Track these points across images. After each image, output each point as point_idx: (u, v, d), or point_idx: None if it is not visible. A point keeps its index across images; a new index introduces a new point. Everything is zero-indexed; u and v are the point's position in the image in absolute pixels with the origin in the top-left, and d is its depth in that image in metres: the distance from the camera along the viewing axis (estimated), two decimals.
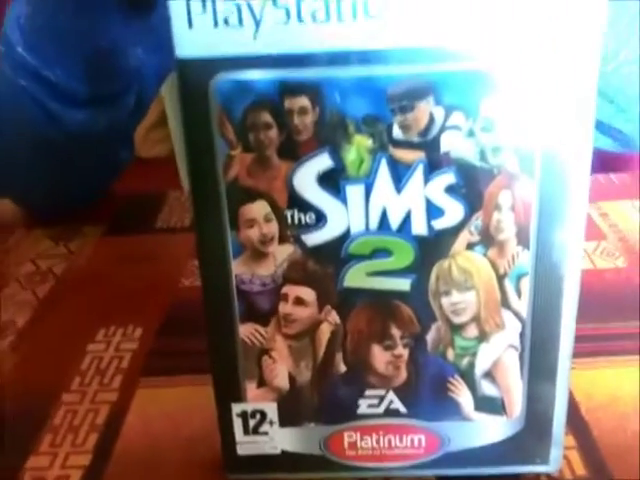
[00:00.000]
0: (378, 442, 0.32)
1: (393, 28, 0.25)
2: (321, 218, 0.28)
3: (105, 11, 0.49)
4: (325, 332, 0.30)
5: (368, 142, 0.27)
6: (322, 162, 0.27)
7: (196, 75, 0.26)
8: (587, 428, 0.35)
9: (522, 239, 0.28)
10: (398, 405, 0.31)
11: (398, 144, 0.27)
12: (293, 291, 0.30)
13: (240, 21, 0.25)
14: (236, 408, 0.32)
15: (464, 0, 0.25)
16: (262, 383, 0.31)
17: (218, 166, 0.27)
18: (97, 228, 0.58)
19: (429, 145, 0.27)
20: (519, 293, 0.29)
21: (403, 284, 0.29)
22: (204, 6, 0.25)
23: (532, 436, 0.32)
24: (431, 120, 0.27)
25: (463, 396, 0.31)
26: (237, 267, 0.29)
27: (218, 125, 0.27)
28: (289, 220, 0.28)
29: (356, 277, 0.29)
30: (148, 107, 0.58)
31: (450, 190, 0.28)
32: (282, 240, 0.29)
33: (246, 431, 0.32)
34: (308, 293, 0.30)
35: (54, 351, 0.44)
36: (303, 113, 0.26)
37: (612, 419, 0.36)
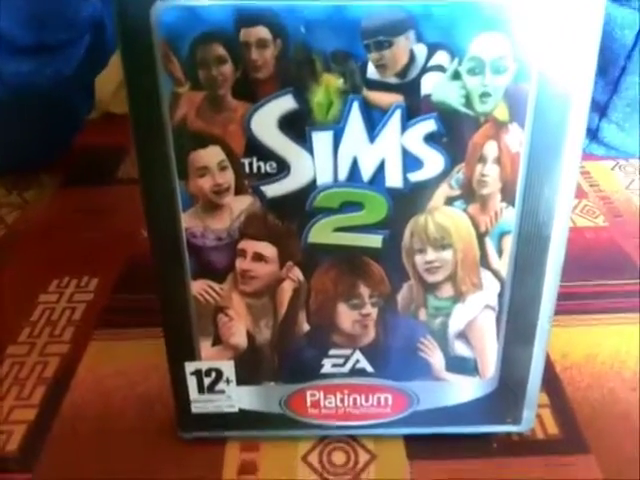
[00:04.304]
0: (342, 401, 0.31)
1: None
2: (283, 167, 0.25)
3: None
4: (287, 290, 0.28)
5: (338, 82, 0.23)
6: (285, 104, 0.24)
7: (135, 1, 0.22)
8: (561, 387, 0.34)
9: (507, 195, 0.26)
10: (365, 364, 0.30)
11: (373, 85, 0.24)
12: (251, 246, 0.27)
13: None
14: (189, 367, 0.30)
15: None
16: (217, 341, 0.29)
17: (163, 106, 0.24)
18: (55, 178, 0.55)
19: (408, 87, 0.24)
20: (500, 252, 0.27)
21: (374, 240, 0.27)
22: None
23: (505, 397, 0.30)
24: (411, 59, 0.23)
25: (434, 356, 0.29)
26: (187, 220, 0.26)
27: (162, 59, 0.23)
28: (247, 169, 0.25)
29: (322, 233, 0.26)
30: (107, 58, 0.54)
31: (430, 139, 0.25)
32: (239, 191, 0.25)
33: (201, 390, 0.30)
34: (268, 249, 0.27)
35: (3, 301, 0.41)
36: (262, 46, 0.23)
37: (587, 378, 0.34)
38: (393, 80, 0.23)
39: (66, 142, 0.57)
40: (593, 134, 0.54)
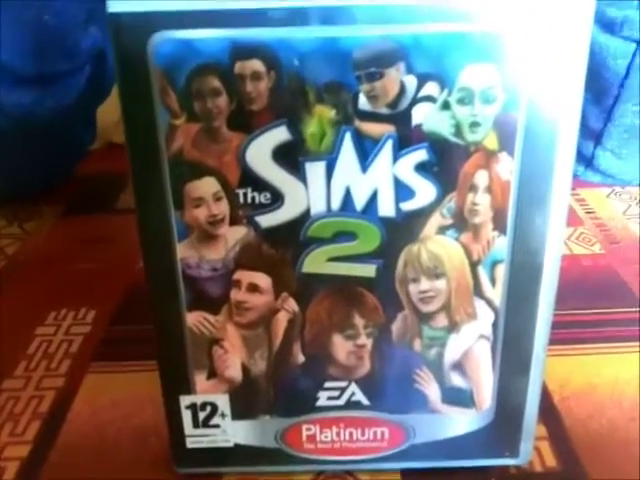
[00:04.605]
0: (339, 435, 0.30)
1: None
2: (277, 197, 0.25)
3: None
4: (282, 321, 0.28)
5: (331, 113, 0.24)
6: (279, 135, 0.24)
7: (132, 33, 0.22)
8: (559, 418, 0.34)
9: (499, 223, 0.26)
10: (360, 397, 0.29)
11: (364, 116, 0.24)
12: (246, 277, 0.27)
13: None
14: (184, 400, 0.29)
15: None
16: (213, 374, 0.29)
17: (160, 138, 0.24)
18: (56, 208, 0.55)
19: (399, 118, 0.24)
20: (493, 281, 0.27)
21: (368, 270, 0.27)
22: None
23: (502, 429, 0.30)
24: (402, 90, 0.24)
25: (430, 388, 0.29)
26: (183, 250, 0.26)
27: (159, 91, 0.23)
28: (241, 199, 0.25)
29: (316, 262, 0.26)
30: (109, 88, 0.55)
31: (421, 168, 0.25)
32: (234, 221, 0.26)
33: (196, 424, 0.30)
34: (263, 279, 0.27)
35: (0, 334, 0.41)
36: (256, 79, 0.23)
37: (585, 408, 0.34)
38: (384, 111, 0.24)
39: (67, 171, 0.57)
40: (588, 161, 0.55)
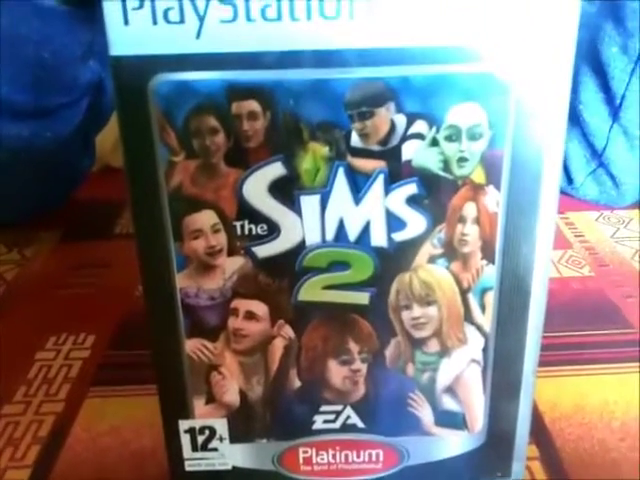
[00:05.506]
0: (334, 457, 0.31)
1: (350, 28, 0.23)
2: (273, 229, 0.26)
3: (45, 20, 0.45)
4: (278, 347, 0.28)
5: (324, 150, 0.25)
6: (274, 171, 0.25)
7: (133, 75, 0.23)
8: (550, 438, 0.34)
9: (487, 253, 0.27)
10: (355, 420, 0.30)
11: (356, 153, 0.25)
12: (244, 305, 0.28)
13: (182, 18, 0.22)
14: (183, 425, 0.30)
15: None
16: (211, 399, 0.29)
17: (159, 174, 0.25)
18: (54, 234, 0.56)
19: (390, 154, 0.25)
20: (483, 307, 0.28)
21: (362, 298, 0.27)
22: (141, 0, 0.22)
23: (494, 451, 0.31)
24: (392, 128, 0.24)
25: (423, 411, 0.30)
26: (182, 280, 0.27)
27: (158, 130, 0.24)
28: (239, 231, 0.26)
29: (311, 291, 0.27)
30: (107, 118, 0.56)
31: (412, 201, 0.26)
32: (231, 252, 0.27)
33: (194, 448, 0.31)
34: (260, 307, 0.28)
35: (0, 359, 0.41)
36: (253, 118, 0.24)
37: (576, 429, 0.35)
38: (376, 147, 0.25)
39: (65, 196, 0.58)
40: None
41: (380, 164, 0.25)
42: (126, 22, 0.22)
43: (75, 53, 0.48)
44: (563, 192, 0.58)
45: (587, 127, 0.54)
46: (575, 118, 0.55)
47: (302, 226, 0.26)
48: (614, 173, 0.55)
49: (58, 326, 0.44)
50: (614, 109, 0.53)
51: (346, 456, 0.31)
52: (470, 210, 0.26)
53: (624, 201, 0.57)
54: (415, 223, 0.26)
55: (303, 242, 0.26)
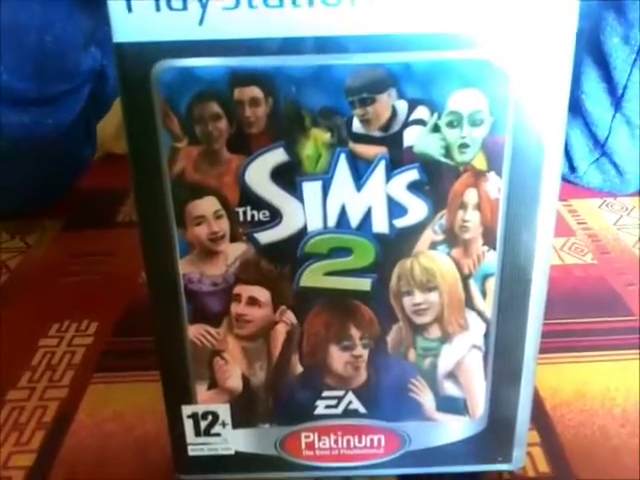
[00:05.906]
0: (336, 442, 0.31)
1: (352, 14, 0.23)
2: (276, 215, 0.26)
3: (46, 6, 0.45)
4: (281, 333, 0.29)
5: (326, 136, 0.25)
6: (276, 157, 0.25)
7: (136, 62, 0.23)
8: (551, 424, 0.35)
9: (488, 239, 0.27)
10: (357, 405, 0.30)
11: (358, 139, 0.25)
12: (246, 291, 0.28)
13: (184, 5, 0.22)
14: (186, 410, 0.30)
15: None
16: (213, 385, 0.30)
17: (162, 160, 0.25)
18: (57, 222, 0.56)
19: (391, 140, 0.25)
20: (484, 294, 0.28)
21: (363, 284, 0.28)
22: None
23: (495, 436, 0.31)
24: (393, 114, 0.25)
25: (424, 396, 0.30)
26: (185, 266, 0.27)
27: (161, 116, 0.24)
28: (241, 217, 0.26)
29: (313, 277, 0.27)
30: (109, 105, 0.56)
31: (413, 187, 0.26)
32: (234, 238, 0.27)
33: (197, 433, 0.31)
34: (262, 293, 0.28)
35: (4, 346, 0.42)
36: (255, 104, 0.24)
37: (577, 415, 0.35)
38: (377, 133, 0.25)
39: (68, 185, 0.58)
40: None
41: (381, 150, 0.25)
42: (129, 9, 0.23)
43: (77, 40, 0.48)
44: (566, 180, 0.58)
45: (589, 117, 0.54)
46: (577, 108, 0.55)
47: (304, 212, 0.26)
48: (617, 162, 0.55)
49: (61, 313, 0.44)
50: (616, 99, 0.53)
51: (348, 441, 0.31)
52: (471, 196, 0.26)
53: (628, 189, 0.57)
54: (416, 209, 0.26)
55: (305, 228, 0.27)
